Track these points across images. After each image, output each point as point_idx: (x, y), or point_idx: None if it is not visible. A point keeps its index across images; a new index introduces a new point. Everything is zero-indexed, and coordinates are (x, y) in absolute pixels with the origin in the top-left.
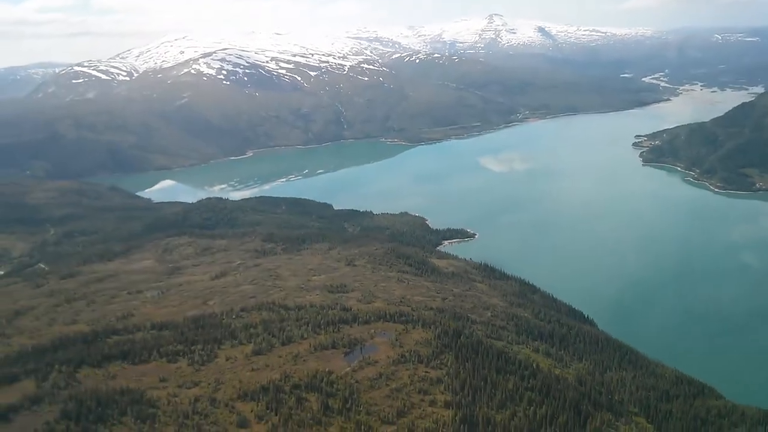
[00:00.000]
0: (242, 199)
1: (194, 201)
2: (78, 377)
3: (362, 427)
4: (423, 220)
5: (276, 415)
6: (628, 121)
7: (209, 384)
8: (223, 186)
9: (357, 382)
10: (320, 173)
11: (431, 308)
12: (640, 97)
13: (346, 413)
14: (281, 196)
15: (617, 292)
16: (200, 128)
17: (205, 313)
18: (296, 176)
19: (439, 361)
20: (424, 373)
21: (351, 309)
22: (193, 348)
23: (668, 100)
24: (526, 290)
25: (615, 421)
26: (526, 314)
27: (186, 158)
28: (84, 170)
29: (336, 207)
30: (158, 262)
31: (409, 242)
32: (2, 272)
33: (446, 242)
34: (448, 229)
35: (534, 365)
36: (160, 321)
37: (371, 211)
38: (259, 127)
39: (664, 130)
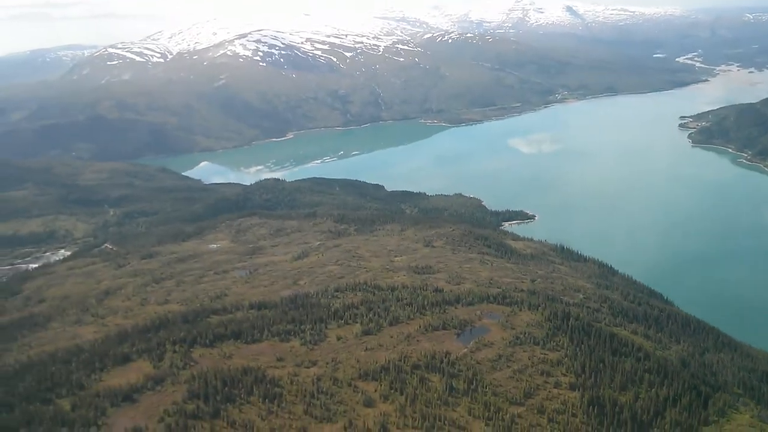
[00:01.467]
0: (297, 181)
1: (239, 182)
2: (193, 356)
3: (491, 407)
4: (478, 201)
5: (401, 394)
6: (669, 102)
7: (327, 363)
8: (259, 167)
9: (478, 363)
10: (355, 155)
11: (522, 290)
12: (678, 77)
13: (472, 394)
14: (315, 176)
15: (683, 273)
16: (240, 110)
17: (299, 293)
18: (331, 158)
19: (554, 343)
20: (542, 355)
21: (443, 290)
22: (302, 327)
23: (706, 80)
24: (605, 272)
25: (735, 402)
26: (615, 296)
27: (229, 140)
28: (129, 151)
29: (375, 187)
30: (234, 243)
31: (472, 223)
32: (68, 253)
33: (506, 224)
34: (507, 211)
35: (644, 348)
36: (257, 301)
37: (425, 193)
38: (297, 109)
39: (710, 111)
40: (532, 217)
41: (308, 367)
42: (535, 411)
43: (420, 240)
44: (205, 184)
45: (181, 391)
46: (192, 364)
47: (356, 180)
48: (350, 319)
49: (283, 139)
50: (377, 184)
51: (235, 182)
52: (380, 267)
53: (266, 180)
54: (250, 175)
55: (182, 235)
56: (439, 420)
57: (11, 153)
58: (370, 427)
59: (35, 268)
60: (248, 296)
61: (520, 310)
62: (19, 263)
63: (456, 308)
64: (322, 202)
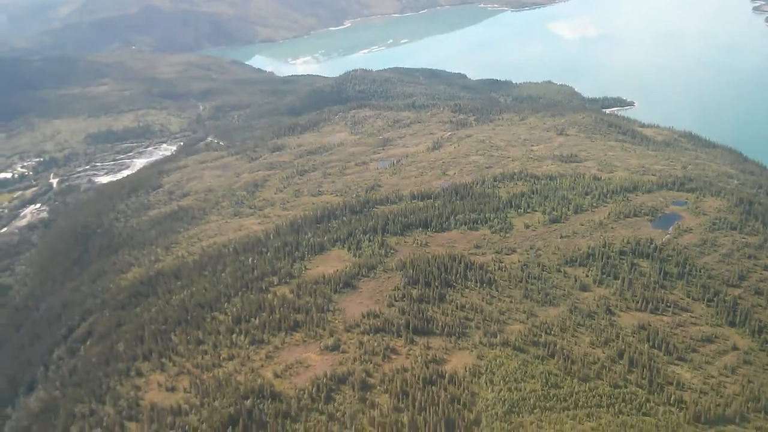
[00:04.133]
0: (382, 70)
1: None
2: (390, 245)
3: (709, 290)
4: (571, 88)
5: (615, 279)
6: None
7: (526, 251)
8: (306, 59)
9: (685, 248)
10: (404, 42)
11: (677, 177)
12: None
13: (686, 277)
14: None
15: None
16: None
17: (456, 184)
18: (379, 47)
19: (750, 228)
20: (742, 240)
21: (600, 178)
22: (487, 216)
23: None
24: (737, 158)
25: None
26: (763, 181)
27: (288, 29)
28: (187, 43)
29: (458, 75)
30: (354, 135)
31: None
32: (172, 147)
33: (606, 111)
34: (605, 98)
35: None
36: (417, 191)
37: (511, 81)
38: None
39: None
40: (632, 104)
41: (509, 254)
42: (753, 292)
43: (551, 128)
44: (284, 77)
45: (397, 278)
46: (392, 252)
47: (437, 69)
48: (528, 207)
49: (340, 27)
50: (459, 73)
51: (310, 74)
52: (522, 156)
53: (355, 71)
54: (299, 66)
55: (299, 128)
56: (661, 302)
57: (72, 47)
58: (594, 310)
59: (158, 161)
60: (402, 187)
61: (704, 196)
62: (122, 158)
63: (637, 196)
64: (415, 93)
